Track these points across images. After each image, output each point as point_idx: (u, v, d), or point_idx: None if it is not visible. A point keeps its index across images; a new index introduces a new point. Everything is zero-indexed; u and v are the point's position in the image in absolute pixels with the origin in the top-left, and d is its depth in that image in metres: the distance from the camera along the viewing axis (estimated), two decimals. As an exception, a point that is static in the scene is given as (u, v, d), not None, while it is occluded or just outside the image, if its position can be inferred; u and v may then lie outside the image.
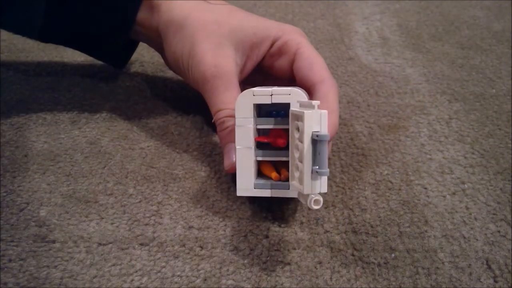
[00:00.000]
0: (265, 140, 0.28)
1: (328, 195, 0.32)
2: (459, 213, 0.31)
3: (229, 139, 0.30)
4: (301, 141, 0.24)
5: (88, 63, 0.48)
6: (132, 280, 0.26)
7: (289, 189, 0.28)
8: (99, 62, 0.45)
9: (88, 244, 0.28)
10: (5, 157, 0.35)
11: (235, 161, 0.28)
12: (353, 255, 0.28)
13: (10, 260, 0.27)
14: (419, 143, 0.37)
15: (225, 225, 0.30)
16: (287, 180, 0.28)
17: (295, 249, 0.28)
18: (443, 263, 0.27)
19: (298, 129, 0.25)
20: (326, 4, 0.65)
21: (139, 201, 0.31)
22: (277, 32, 0.33)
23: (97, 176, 0.33)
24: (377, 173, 0.34)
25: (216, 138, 0.37)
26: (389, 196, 0.32)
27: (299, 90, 0.28)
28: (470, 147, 0.37)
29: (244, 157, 0.28)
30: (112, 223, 0.30)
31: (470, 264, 0.27)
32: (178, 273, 0.27)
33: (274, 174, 0.28)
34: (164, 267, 0.27)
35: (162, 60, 0.40)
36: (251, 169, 0.28)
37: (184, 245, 0.28)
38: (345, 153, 0.36)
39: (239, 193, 0.28)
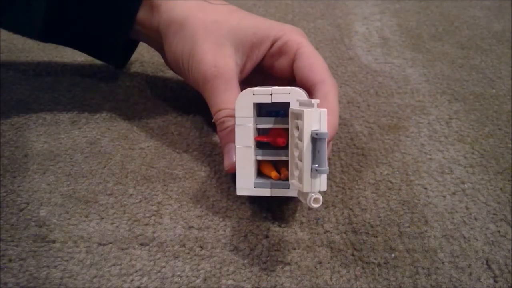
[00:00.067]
0: (265, 140, 0.28)
1: (328, 195, 0.32)
2: (459, 213, 0.31)
3: (229, 139, 0.30)
4: (301, 139, 0.24)
5: (88, 63, 0.48)
6: (132, 280, 0.26)
7: (289, 188, 0.28)
8: (99, 62, 0.45)
9: (88, 244, 0.28)
10: (5, 157, 0.35)
11: (235, 161, 0.28)
12: (353, 255, 0.28)
13: (10, 260, 0.27)
14: (419, 143, 0.37)
15: (225, 225, 0.30)
16: (287, 179, 0.28)
17: (295, 249, 0.28)
18: (443, 263, 0.27)
19: (297, 127, 0.25)
20: (326, 4, 0.65)
21: (139, 201, 0.31)
22: (277, 32, 0.33)
23: (97, 176, 0.33)
24: (377, 173, 0.34)
25: (216, 138, 0.37)
26: (389, 196, 0.32)
27: (299, 90, 0.28)
28: (470, 147, 0.37)
29: (244, 156, 0.28)
30: (112, 223, 0.30)
31: (470, 264, 0.27)
32: (178, 273, 0.27)
33: (274, 174, 0.28)
34: (164, 267, 0.27)
35: (162, 60, 0.40)
36: (251, 168, 0.28)
37: (184, 245, 0.28)
38: (345, 153, 0.36)
39: (239, 192, 0.28)
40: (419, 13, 0.62)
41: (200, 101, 0.35)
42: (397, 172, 0.34)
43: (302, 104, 0.26)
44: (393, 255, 0.28)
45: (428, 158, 0.35)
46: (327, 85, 0.31)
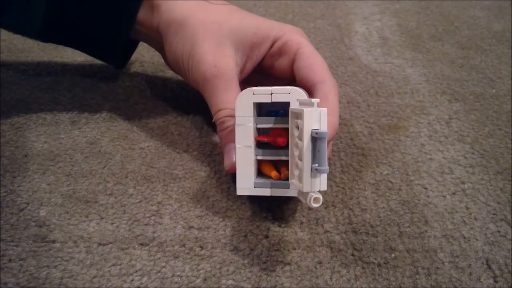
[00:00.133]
0: (265, 139, 0.28)
1: (328, 195, 0.32)
2: (459, 213, 0.31)
3: (229, 139, 0.30)
4: (301, 139, 0.24)
5: (88, 63, 0.48)
6: (132, 280, 0.26)
7: (289, 188, 0.28)
8: (99, 62, 0.45)
9: (88, 244, 0.28)
10: (5, 157, 0.35)
11: (235, 161, 0.28)
12: (353, 255, 0.28)
13: (10, 260, 0.27)
14: (419, 143, 0.37)
15: (225, 225, 0.30)
16: (287, 179, 0.28)
17: (295, 249, 0.28)
18: (443, 263, 0.27)
19: (297, 127, 0.25)
20: (326, 4, 0.65)
21: (139, 201, 0.31)
22: (278, 32, 0.33)
23: (97, 176, 0.33)
24: (377, 173, 0.34)
25: (216, 138, 0.37)
26: (389, 196, 0.32)
27: (299, 89, 0.28)
28: (470, 147, 0.37)
29: (244, 156, 0.28)
30: (112, 223, 0.30)
31: (470, 264, 0.27)
32: (178, 273, 0.27)
33: (274, 173, 0.28)
34: (164, 267, 0.27)
35: (162, 60, 0.40)
36: (251, 168, 0.28)
37: (184, 245, 0.28)
38: (345, 153, 0.36)
39: (239, 192, 0.28)
40: (419, 13, 0.62)
41: (200, 101, 0.35)
42: (397, 172, 0.34)
43: (302, 103, 0.26)
44: (393, 255, 0.28)
45: (428, 158, 0.35)
46: (327, 85, 0.31)
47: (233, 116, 0.29)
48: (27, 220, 0.30)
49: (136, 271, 0.27)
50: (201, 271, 0.27)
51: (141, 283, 0.26)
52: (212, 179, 0.33)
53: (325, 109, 0.24)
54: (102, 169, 0.34)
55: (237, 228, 0.29)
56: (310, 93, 0.32)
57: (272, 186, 0.28)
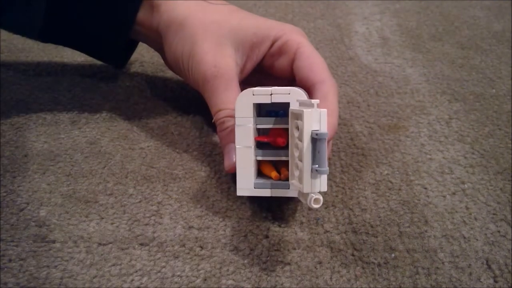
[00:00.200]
0: (265, 140, 0.28)
1: (328, 195, 0.32)
2: (459, 213, 0.31)
3: (229, 139, 0.30)
4: (301, 140, 0.24)
5: (88, 63, 0.48)
6: (132, 280, 0.26)
7: (289, 188, 0.28)
8: (99, 62, 0.45)
9: (88, 244, 0.28)
10: (5, 157, 0.35)
11: (235, 162, 0.28)
12: (353, 255, 0.28)
13: (10, 260, 0.27)
14: (419, 143, 0.37)
15: (225, 225, 0.30)
16: (287, 179, 0.28)
17: (295, 249, 0.28)
18: (443, 263, 0.27)
19: (297, 128, 0.25)
20: (326, 4, 0.65)
21: (139, 201, 0.31)
22: (278, 32, 0.33)
23: (97, 176, 0.33)
24: (377, 173, 0.34)
25: (216, 138, 0.37)
26: (389, 196, 0.32)
27: (299, 90, 0.28)
28: (470, 147, 0.37)
29: (244, 156, 0.28)
30: (112, 223, 0.30)
31: (470, 264, 0.27)
32: (178, 273, 0.27)
33: (274, 174, 0.28)
34: (164, 267, 0.27)
35: (162, 60, 0.40)
36: (251, 169, 0.28)
37: (184, 245, 0.28)
38: (345, 153, 0.36)
39: (239, 192, 0.28)
40: (419, 13, 0.62)
41: (200, 101, 0.35)
42: (397, 172, 0.34)
43: (302, 104, 0.26)
44: (393, 255, 0.28)
45: (428, 158, 0.35)
46: (327, 85, 0.31)
47: (233, 117, 0.29)
48: (27, 220, 0.30)
49: (136, 271, 0.27)
50: (201, 271, 0.27)
51: (141, 283, 0.26)
52: (212, 179, 0.33)
53: (325, 110, 0.24)
54: (102, 169, 0.34)
55: (237, 228, 0.29)
56: (310, 93, 0.32)
57: (272, 187, 0.28)
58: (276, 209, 0.31)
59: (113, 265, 0.27)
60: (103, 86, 0.44)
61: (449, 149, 0.36)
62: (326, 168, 0.24)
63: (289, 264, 0.27)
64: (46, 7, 0.35)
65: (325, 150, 0.24)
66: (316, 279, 0.26)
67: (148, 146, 0.36)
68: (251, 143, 0.28)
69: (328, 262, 0.27)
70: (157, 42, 0.37)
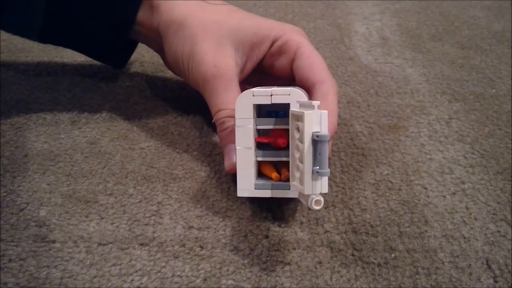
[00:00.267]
0: (265, 141, 0.28)
1: (328, 195, 0.32)
2: (459, 213, 0.31)
3: (229, 140, 0.30)
4: (302, 141, 0.24)
5: (88, 63, 0.48)
6: (132, 280, 0.26)
7: (289, 189, 0.28)
8: (99, 62, 0.45)
9: (88, 244, 0.28)
10: (5, 157, 0.35)
11: (236, 162, 0.28)
12: (353, 255, 0.28)
13: (10, 260, 0.27)
14: (419, 143, 0.37)
15: (225, 225, 0.30)
16: (287, 180, 0.28)
17: (295, 249, 0.28)
18: (443, 263, 0.27)
19: (298, 129, 0.25)
20: (326, 4, 0.65)
21: (139, 201, 0.31)
22: (277, 31, 0.33)
23: (97, 176, 0.33)
24: (377, 173, 0.34)
25: (216, 138, 0.37)
26: (389, 196, 0.32)
27: (299, 90, 0.28)
28: (470, 147, 0.37)
29: (244, 157, 0.28)
30: (112, 223, 0.30)
31: (470, 264, 0.27)
32: (178, 273, 0.27)
33: (274, 175, 0.28)
34: (164, 267, 0.27)
35: (162, 60, 0.40)
36: (252, 170, 0.28)
37: (184, 245, 0.28)
38: (345, 153, 0.36)
39: (240, 193, 0.28)
40: (419, 13, 0.62)
41: (200, 101, 0.35)
42: (397, 172, 0.34)
43: (302, 105, 0.26)
44: (393, 255, 0.28)
45: (428, 158, 0.35)
46: (327, 85, 0.31)
47: (233, 117, 0.29)
48: (27, 220, 0.30)
49: (136, 271, 0.27)
50: (201, 271, 0.27)
51: (141, 283, 0.26)
52: (212, 179, 0.33)
53: (325, 111, 0.24)
54: (102, 169, 0.34)
55: (237, 228, 0.29)
56: (310, 92, 0.32)
57: (272, 188, 0.28)
58: (276, 209, 0.31)
59: (113, 265, 0.27)
60: (103, 86, 0.44)
61: (449, 149, 0.36)
62: (327, 170, 0.24)
63: (289, 264, 0.27)
64: (46, 7, 0.35)
65: (326, 151, 0.24)
66: (316, 279, 0.26)
67: (148, 146, 0.36)
68: (252, 144, 0.28)
69: (328, 262, 0.27)
70: (157, 43, 0.37)
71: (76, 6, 0.36)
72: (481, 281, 0.26)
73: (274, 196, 0.28)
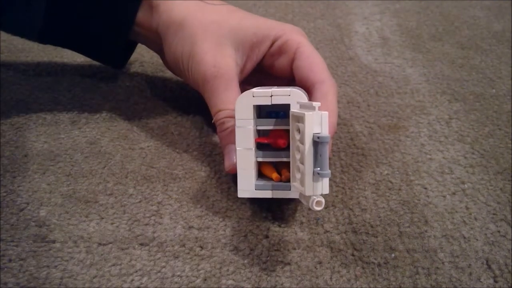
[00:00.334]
0: (266, 141, 0.28)
1: (328, 195, 0.32)
2: (459, 213, 0.31)
3: (229, 140, 0.30)
4: (302, 142, 0.24)
5: (88, 63, 0.48)
6: (132, 280, 0.26)
7: (290, 190, 0.28)
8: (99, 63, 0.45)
9: (88, 244, 0.28)
10: (5, 157, 0.35)
11: (236, 163, 0.28)
12: (353, 255, 0.28)
13: (10, 260, 0.27)
14: (419, 143, 0.37)
15: (225, 225, 0.30)
16: (288, 180, 0.28)
17: (295, 249, 0.28)
18: (443, 263, 0.27)
19: (298, 130, 0.25)
20: (326, 4, 0.65)
21: (139, 201, 0.31)
22: (277, 31, 0.33)
23: (97, 176, 0.33)
24: (377, 173, 0.34)
25: (216, 138, 0.37)
26: (389, 196, 0.32)
27: (299, 91, 0.28)
28: (470, 147, 0.37)
29: (244, 158, 0.28)
30: (112, 223, 0.30)
31: (470, 264, 0.27)
32: (178, 273, 0.27)
33: (275, 175, 0.28)
34: (164, 267, 0.27)
35: (162, 61, 0.40)
36: (252, 171, 0.28)
37: (184, 245, 0.28)
38: (345, 153, 0.36)
39: (240, 194, 0.28)
40: (419, 13, 0.62)
41: (200, 101, 0.35)
42: (397, 172, 0.34)
43: (303, 106, 0.26)
44: (393, 255, 0.28)
45: (428, 158, 0.35)
46: (326, 85, 0.31)
47: (233, 117, 0.29)
48: (27, 220, 0.30)
49: (136, 271, 0.27)
50: (201, 271, 0.27)
51: (141, 283, 0.26)
52: (212, 179, 0.33)
53: (326, 112, 0.24)
54: (102, 169, 0.34)
55: (237, 228, 0.29)
56: (309, 92, 0.32)
57: (273, 188, 0.28)
58: (276, 209, 0.31)
59: (113, 265, 0.27)
60: (103, 86, 0.44)
61: (449, 149, 0.36)
62: (328, 171, 0.24)
63: (289, 264, 0.27)
64: (46, 8, 0.35)
65: (327, 153, 0.24)
66: (316, 279, 0.26)
67: (148, 146, 0.36)
68: (252, 145, 0.28)
69: (328, 262, 0.27)
70: (157, 43, 0.37)
71: (76, 7, 0.36)
72: (481, 281, 0.26)
73: (274, 196, 0.28)
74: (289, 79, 0.35)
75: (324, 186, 0.24)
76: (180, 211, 0.31)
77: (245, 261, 0.27)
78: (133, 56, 0.45)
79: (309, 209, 0.30)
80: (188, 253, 0.28)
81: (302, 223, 0.30)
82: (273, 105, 0.28)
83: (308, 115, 0.24)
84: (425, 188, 0.33)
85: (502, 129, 0.39)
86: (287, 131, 0.27)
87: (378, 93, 0.44)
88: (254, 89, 0.28)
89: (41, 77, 0.45)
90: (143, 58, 0.49)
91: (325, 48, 0.52)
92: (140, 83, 0.45)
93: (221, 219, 0.30)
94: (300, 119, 0.25)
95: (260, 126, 0.28)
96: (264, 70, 0.36)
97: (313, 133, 0.24)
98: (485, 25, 0.58)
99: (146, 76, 0.46)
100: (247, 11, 0.36)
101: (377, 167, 0.34)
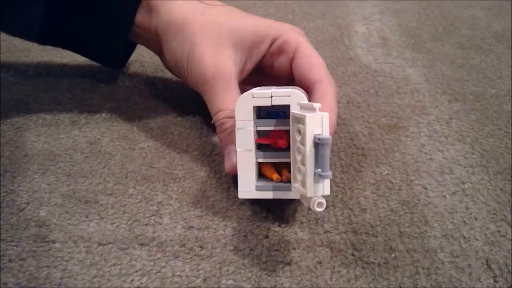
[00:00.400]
0: (266, 142, 0.28)
1: (328, 195, 0.32)
2: (459, 213, 0.31)
3: (229, 141, 0.30)
4: (303, 144, 0.24)
5: (88, 63, 0.48)
6: (132, 280, 0.26)
7: (290, 190, 0.28)
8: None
9: (88, 244, 0.28)
10: (5, 157, 0.35)
11: (236, 163, 0.28)
12: (353, 255, 0.28)
13: (10, 260, 0.27)
14: (419, 143, 0.37)
15: (225, 225, 0.30)
16: (288, 181, 0.28)
17: (295, 249, 0.28)
18: (443, 263, 0.27)
19: (299, 131, 0.25)
20: (326, 4, 0.65)
21: (139, 201, 0.31)
22: (277, 31, 0.33)
23: (97, 176, 0.33)
24: (377, 173, 0.34)
25: (216, 138, 0.37)
26: (389, 196, 0.32)
27: (299, 91, 0.28)
28: (470, 147, 0.37)
29: (245, 159, 0.28)
30: (112, 223, 0.30)
31: (470, 264, 0.27)
32: (178, 273, 0.27)
33: (275, 176, 0.28)
34: (164, 267, 0.27)
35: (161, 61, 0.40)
36: (252, 172, 0.28)
37: (184, 245, 0.28)
38: (345, 153, 0.36)
39: (241, 195, 0.28)
40: (419, 13, 0.62)
41: (200, 101, 0.35)
42: (397, 172, 0.34)
43: (303, 107, 0.26)
44: (393, 255, 0.28)
45: (428, 158, 0.35)
46: (326, 85, 0.31)
47: (233, 117, 0.29)
48: (27, 220, 0.30)
49: (136, 271, 0.27)
50: (201, 271, 0.27)
51: (141, 283, 0.26)
52: (212, 179, 0.33)
53: (327, 113, 0.24)
54: (102, 169, 0.34)
55: (237, 228, 0.29)
56: (309, 92, 0.32)
57: (274, 189, 0.28)
58: (276, 209, 0.31)
59: (113, 265, 0.27)
60: (103, 86, 0.44)
61: (449, 149, 0.36)
62: (329, 172, 0.23)
63: (289, 264, 0.27)
64: (45, 9, 0.35)
65: (328, 154, 0.24)
66: (316, 279, 0.26)
67: (148, 146, 0.36)
68: (252, 146, 0.28)
69: (328, 262, 0.27)
70: (156, 44, 0.37)
71: (75, 8, 0.36)
72: (481, 281, 0.26)
73: (275, 197, 0.28)
74: (288, 79, 0.35)
75: (325, 187, 0.24)
76: (180, 211, 0.31)
77: (245, 261, 0.27)
78: (133, 56, 0.45)
79: (310, 209, 0.31)
80: (188, 253, 0.28)
81: (302, 223, 0.30)
82: (273, 106, 0.28)
83: (309, 116, 0.24)
84: (425, 188, 0.33)
85: (502, 129, 0.39)
86: (287, 131, 0.27)
87: (378, 93, 0.44)
88: (254, 90, 0.28)
89: (41, 77, 0.45)
90: (143, 58, 0.49)
91: (325, 48, 0.52)
92: (140, 83, 0.45)
93: (221, 219, 0.30)
94: (300, 120, 0.25)
95: (260, 127, 0.28)
96: (264, 70, 0.36)
97: (314, 135, 0.24)
98: (485, 25, 0.58)
99: (146, 76, 0.46)
100: (247, 11, 0.36)
101: (377, 167, 0.34)
